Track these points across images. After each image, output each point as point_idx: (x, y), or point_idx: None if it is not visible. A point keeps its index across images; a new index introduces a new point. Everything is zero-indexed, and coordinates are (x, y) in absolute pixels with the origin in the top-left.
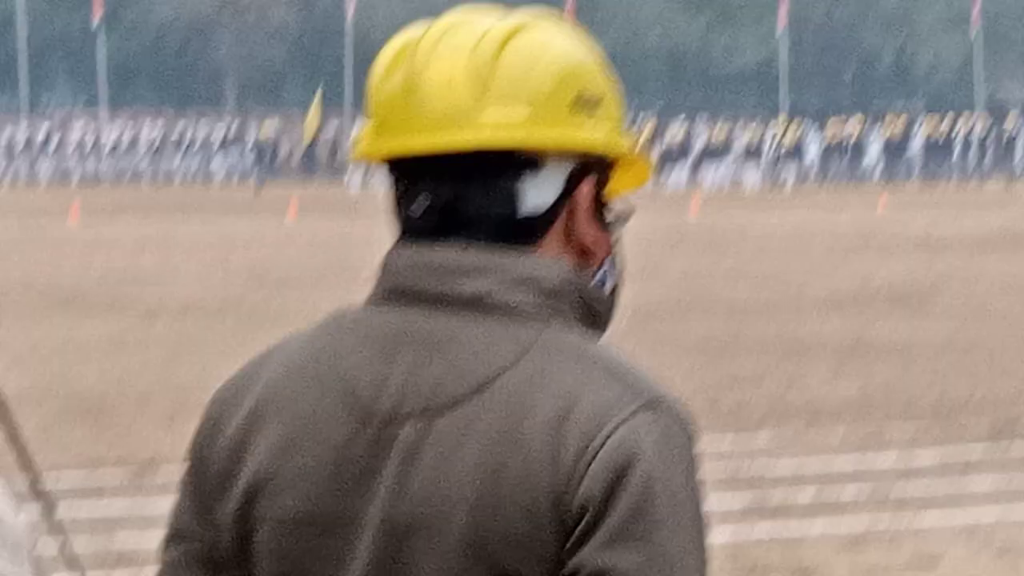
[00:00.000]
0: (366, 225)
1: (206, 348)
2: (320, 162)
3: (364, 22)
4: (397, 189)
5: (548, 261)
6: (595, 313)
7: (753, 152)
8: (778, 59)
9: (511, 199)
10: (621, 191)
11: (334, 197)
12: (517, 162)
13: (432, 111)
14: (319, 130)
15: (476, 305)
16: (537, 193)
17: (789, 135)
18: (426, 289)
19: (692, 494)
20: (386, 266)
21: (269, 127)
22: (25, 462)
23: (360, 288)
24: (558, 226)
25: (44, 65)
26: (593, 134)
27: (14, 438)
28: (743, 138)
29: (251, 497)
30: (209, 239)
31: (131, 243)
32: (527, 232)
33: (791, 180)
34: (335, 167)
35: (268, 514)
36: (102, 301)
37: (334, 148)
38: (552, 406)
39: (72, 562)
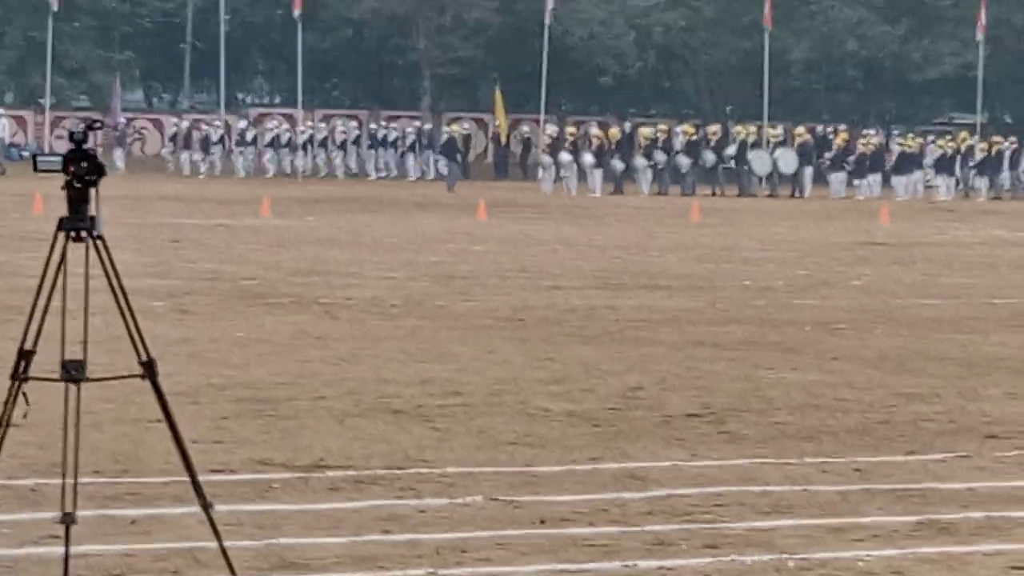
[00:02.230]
0: (555, 226)
1: (386, 346)
2: (512, 163)
3: (560, 23)
4: None
5: None
6: None
7: (947, 162)
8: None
9: None
10: None
11: (526, 197)
12: None
13: None
14: (509, 128)
15: None
16: None
17: (983, 146)
18: None
19: None
20: None
21: (462, 127)
22: (187, 464)
23: (542, 290)
24: None
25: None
26: None
27: (178, 441)
28: (936, 149)
29: None
30: (398, 237)
31: (321, 239)
32: None
33: (984, 192)
34: (527, 167)
35: None
36: (287, 296)
37: (526, 148)
38: None
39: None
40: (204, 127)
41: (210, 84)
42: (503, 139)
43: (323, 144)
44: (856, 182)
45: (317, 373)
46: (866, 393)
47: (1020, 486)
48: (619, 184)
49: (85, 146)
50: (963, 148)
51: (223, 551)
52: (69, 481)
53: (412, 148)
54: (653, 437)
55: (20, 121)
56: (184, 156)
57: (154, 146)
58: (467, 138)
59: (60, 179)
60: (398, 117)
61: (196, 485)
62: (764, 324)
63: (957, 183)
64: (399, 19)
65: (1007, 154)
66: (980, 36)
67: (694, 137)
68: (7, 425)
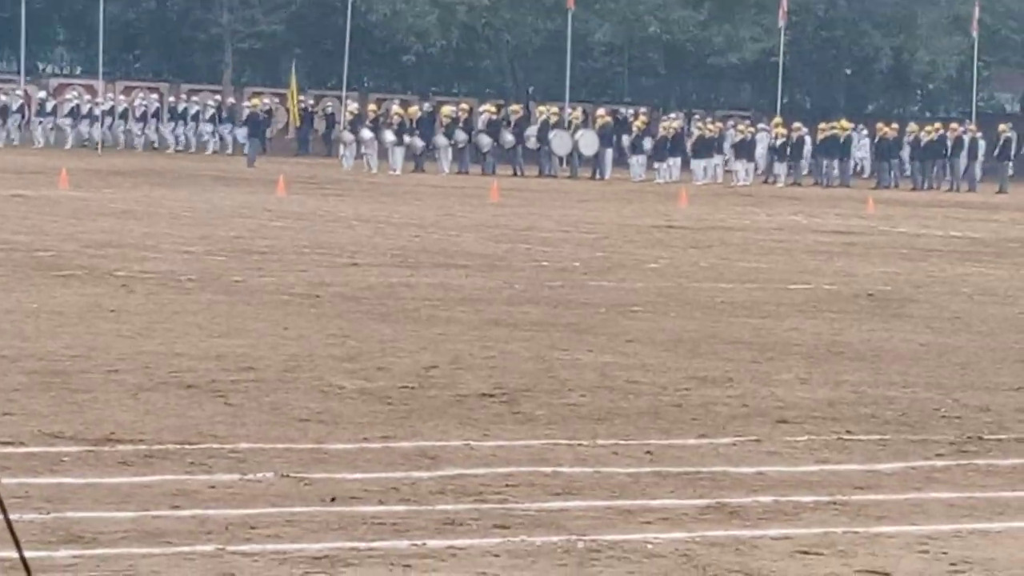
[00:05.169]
0: (354, 203)
1: (180, 321)
2: (314, 139)
3: (363, 0)
4: None
5: None
6: None
7: (746, 147)
8: (777, 55)
9: None
10: None
11: (326, 174)
12: None
13: None
14: (302, 110)
15: None
16: None
17: (783, 132)
18: None
19: None
20: None
21: (264, 101)
22: None
23: (339, 267)
24: None
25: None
26: None
27: None
28: (736, 134)
29: None
30: (196, 210)
31: (118, 211)
32: None
33: (783, 178)
34: (329, 144)
35: None
36: (82, 268)
37: (329, 124)
38: None
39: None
40: (3, 96)
41: (10, 53)
42: (294, 122)
43: (123, 116)
44: (656, 165)
45: (110, 346)
46: (659, 375)
47: (809, 471)
48: (420, 162)
49: None
50: (774, 134)
51: (8, 524)
52: None
53: (212, 121)
54: (446, 416)
55: None
56: None
57: None
58: (268, 113)
59: None
60: (199, 91)
61: None
62: (559, 305)
63: (756, 168)
64: None
65: (807, 140)
66: (782, 22)
67: (495, 116)
68: None
